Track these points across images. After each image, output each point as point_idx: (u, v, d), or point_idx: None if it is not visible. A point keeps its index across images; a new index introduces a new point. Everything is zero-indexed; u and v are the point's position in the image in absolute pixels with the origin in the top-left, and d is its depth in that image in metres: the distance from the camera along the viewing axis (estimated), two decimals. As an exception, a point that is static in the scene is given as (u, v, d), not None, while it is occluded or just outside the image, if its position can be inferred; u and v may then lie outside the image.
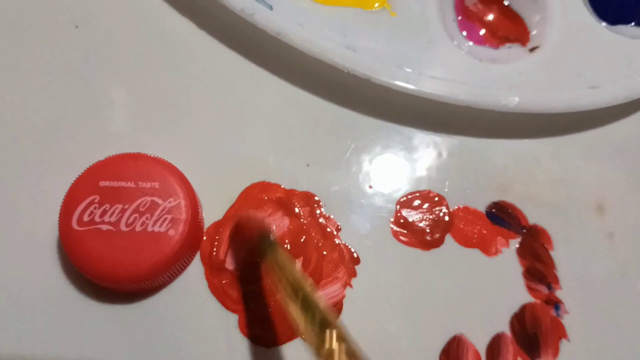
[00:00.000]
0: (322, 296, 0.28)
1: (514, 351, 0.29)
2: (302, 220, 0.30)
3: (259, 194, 0.30)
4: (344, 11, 0.33)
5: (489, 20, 0.36)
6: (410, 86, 0.31)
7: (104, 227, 0.26)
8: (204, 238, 0.29)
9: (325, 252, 0.29)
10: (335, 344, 0.19)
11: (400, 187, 0.31)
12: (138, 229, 0.26)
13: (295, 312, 0.21)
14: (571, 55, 0.33)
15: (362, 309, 0.29)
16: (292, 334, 0.28)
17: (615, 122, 0.34)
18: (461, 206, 0.31)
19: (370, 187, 0.31)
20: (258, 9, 0.31)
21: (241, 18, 0.31)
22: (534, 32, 0.35)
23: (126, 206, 0.26)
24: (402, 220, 0.31)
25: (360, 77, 0.31)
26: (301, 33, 0.31)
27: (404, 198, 0.31)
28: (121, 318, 0.27)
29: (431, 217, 0.31)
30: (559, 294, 0.30)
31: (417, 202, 0.31)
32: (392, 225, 0.30)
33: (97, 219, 0.26)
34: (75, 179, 0.27)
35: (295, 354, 0.27)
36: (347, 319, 0.28)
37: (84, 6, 0.34)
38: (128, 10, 0.34)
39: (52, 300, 0.27)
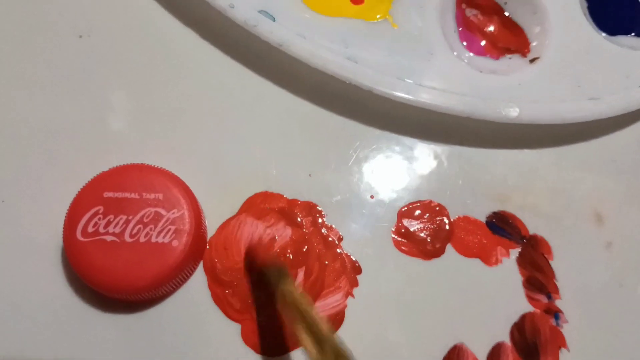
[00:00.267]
0: (334, 331, 0.28)
1: (514, 360, 0.29)
2: (304, 230, 0.30)
3: (261, 203, 0.30)
4: (345, 22, 0.33)
5: (490, 31, 0.36)
6: (411, 97, 0.31)
7: (108, 237, 0.26)
8: (207, 248, 0.29)
9: (327, 262, 0.30)
10: None
11: (402, 196, 0.32)
12: (142, 239, 0.26)
13: (307, 345, 0.22)
14: (571, 67, 0.34)
15: (363, 318, 0.29)
16: (294, 344, 0.28)
17: (614, 133, 0.35)
18: (462, 216, 0.32)
19: (372, 197, 0.31)
20: (261, 20, 0.31)
21: (244, 29, 0.31)
22: (534, 43, 0.35)
23: (130, 217, 0.26)
24: (403, 230, 0.31)
25: (362, 88, 0.31)
26: (303, 44, 0.31)
27: (405, 208, 0.31)
28: (124, 327, 0.27)
29: (432, 226, 0.31)
30: (559, 303, 0.30)
31: (418, 212, 0.31)
32: (393, 235, 0.31)
33: (101, 229, 0.26)
34: (79, 189, 0.27)
35: (298, 363, 0.28)
36: (349, 328, 0.29)
37: (87, 16, 0.34)
38: (131, 21, 0.34)
39: (56, 310, 0.27)
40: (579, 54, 0.34)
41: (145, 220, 0.26)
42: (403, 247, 0.30)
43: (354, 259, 0.30)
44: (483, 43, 0.35)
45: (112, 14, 0.34)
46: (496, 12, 0.36)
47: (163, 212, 0.27)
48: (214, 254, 0.29)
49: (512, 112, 0.31)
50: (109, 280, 0.26)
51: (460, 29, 0.35)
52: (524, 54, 0.35)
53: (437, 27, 0.34)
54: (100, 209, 0.27)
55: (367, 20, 0.33)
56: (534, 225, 0.32)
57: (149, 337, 0.27)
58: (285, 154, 0.32)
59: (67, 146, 0.31)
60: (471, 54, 0.35)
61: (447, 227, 0.31)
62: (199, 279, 0.29)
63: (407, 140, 0.33)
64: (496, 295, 0.30)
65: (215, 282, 0.28)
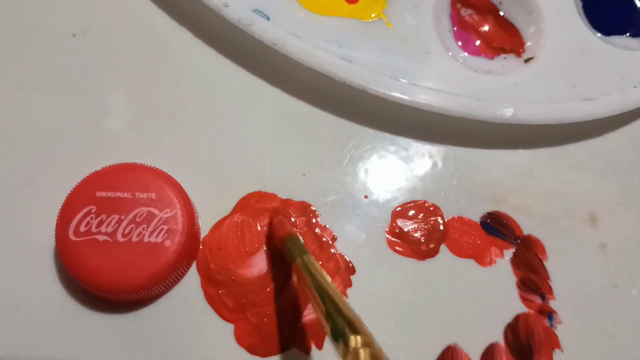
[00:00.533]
0: (349, 303, 0.28)
1: (507, 361, 0.29)
2: (298, 230, 0.30)
3: (255, 203, 0.30)
4: (340, 22, 0.33)
5: (485, 31, 0.36)
6: (405, 97, 0.31)
7: (101, 237, 0.26)
8: (200, 247, 0.29)
9: (320, 262, 0.30)
10: (361, 352, 0.19)
11: (396, 197, 0.32)
12: (134, 239, 0.26)
13: (322, 318, 0.21)
14: (566, 67, 0.34)
15: (357, 318, 0.29)
16: (288, 344, 0.28)
17: (608, 133, 0.35)
18: (456, 216, 0.32)
19: (366, 197, 0.31)
20: (255, 19, 0.31)
21: (238, 29, 0.31)
22: (529, 43, 0.35)
23: (123, 217, 0.26)
24: (397, 230, 0.31)
25: (356, 88, 0.31)
26: (297, 44, 0.31)
27: (399, 208, 0.31)
28: (117, 327, 0.27)
29: (426, 227, 0.31)
30: (553, 304, 0.30)
31: (412, 212, 0.31)
32: (387, 235, 0.31)
33: (93, 229, 0.26)
34: (72, 189, 0.27)
35: (291, 363, 0.28)
36: (342, 328, 0.28)
37: (81, 15, 0.34)
38: (125, 20, 0.34)
39: (49, 310, 0.27)
40: (574, 54, 0.34)
41: (137, 219, 0.26)
42: (397, 248, 0.30)
43: (347, 260, 0.30)
44: (478, 43, 0.35)
45: (105, 13, 0.34)
46: (491, 11, 0.36)
47: (156, 211, 0.27)
48: (207, 254, 0.29)
49: (507, 112, 0.31)
50: (101, 280, 0.26)
51: (455, 28, 0.35)
52: (518, 54, 0.35)
53: (431, 27, 0.33)
54: (93, 208, 0.26)
55: (361, 19, 0.33)
56: (528, 226, 0.32)
57: (142, 337, 0.27)
58: (279, 154, 0.32)
59: (60, 145, 0.30)
60: (466, 54, 0.35)
61: (441, 227, 0.31)
62: (192, 279, 0.29)
63: (402, 140, 0.33)
64: (490, 296, 0.30)
65: (209, 282, 0.28)
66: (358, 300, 0.29)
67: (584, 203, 0.33)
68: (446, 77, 0.32)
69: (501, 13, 0.36)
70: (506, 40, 0.36)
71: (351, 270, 0.30)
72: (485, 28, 0.36)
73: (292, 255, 0.26)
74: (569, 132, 0.34)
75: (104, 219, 0.26)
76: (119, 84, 0.32)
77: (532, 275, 0.31)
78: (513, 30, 0.36)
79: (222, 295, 0.28)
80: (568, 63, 0.34)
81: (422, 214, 0.31)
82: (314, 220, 0.30)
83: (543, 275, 0.31)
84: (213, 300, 0.28)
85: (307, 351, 0.28)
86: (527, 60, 0.34)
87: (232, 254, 0.29)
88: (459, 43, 0.35)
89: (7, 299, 0.27)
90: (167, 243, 0.26)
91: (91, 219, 0.26)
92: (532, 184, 0.33)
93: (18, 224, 0.29)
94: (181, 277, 0.28)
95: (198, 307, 0.28)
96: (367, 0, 0.34)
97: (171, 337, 0.27)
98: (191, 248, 0.28)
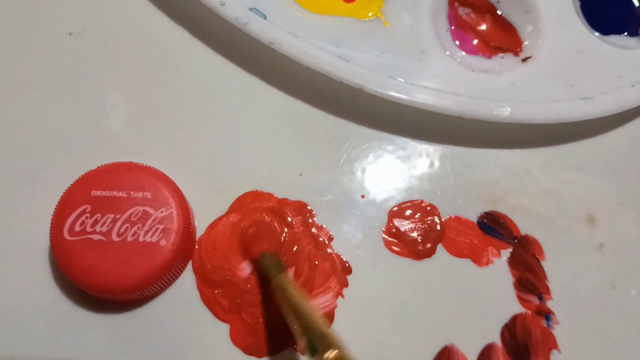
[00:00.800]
0: (322, 317, 0.29)
1: (504, 362, 0.29)
2: (294, 229, 0.30)
3: (251, 203, 0.30)
4: (337, 21, 0.33)
5: (482, 30, 0.36)
6: (402, 96, 0.31)
7: (95, 237, 0.26)
8: (196, 247, 0.29)
9: (317, 262, 0.29)
10: None
11: (393, 196, 0.31)
12: (129, 239, 0.26)
13: (297, 332, 0.22)
14: (563, 66, 0.34)
15: (353, 319, 0.29)
16: (283, 344, 0.28)
17: (606, 133, 0.34)
18: (453, 216, 0.31)
19: (363, 196, 0.31)
20: (252, 18, 0.31)
21: (235, 27, 0.31)
22: (526, 43, 0.35)
23: (118, 216, 0.26)
24: (394, 230, 0.31)
25: (353, 87, 0.31)
26: (294, 42, 0.31)
27: (396, 208, 0.31)
28: (112, 327, 0.27)
29: (423, 227, 0.31)
30: (550, 304, 0.30)
31: (409, 212, 0.31)
32: (384, 235, 0.31)
33: (88, 228, 0.26)
34: (67, 188, 0.27)
35: (287, 364, 0.28)
36: (339, 329, 0.28)
37: (77, 14, 0.33)
38: (121, 19, 0.34)
39: (43, 310, 0.27)
40: (572, 53, 0.34)
41: (132, 219, 0.26)
42: (394, 247, 0.30)
43: (344, 259, 0.30)
44: (475, 42, 0.35)
45: (102, 12, 0.34)
46: (489, 10, 0.36)
47: (151, 210, 0.27)
48: (203, 254, 0.29)
49: (504, 112, 0.31)
50: (96, 279, 0.25)
51: (453, 27, 0.35)
52: (516, 53, 0.35)
53: (429, 26, 0.33)
54: (88, 207, 0.26)
55: (358, 18, 0.33)
56: (525, 226, 0.32)
57: (137, 337, 0.27)
58: (276, 153, 0.32)
59: (55, 145, 0.30)
60: (463, 53, 0.35)
61: (438, 227, 0.31)
62: (187, 279, 0.28)
63: (399, 140, 0.33)
64: (487, 296, 0.30)
65: (205, 282, 0.28)
66: (355, 300, 0.29)
67: (581, 203, 0.32)
68: (444, 76, 0.32)
69: (499, 12, 0.36)
70: (504, 39, 0.36)
71: (348, 270, 0.30)
72: (483, 27, 0.36)
73: (268, 274, 0.27)
74: (566, 132, 0.34)
75: (98, 218, 0.26)
76: (115, 83, 0.32)
77: (529, 275, 0.30)
78: (511, 30, 0.36)
79: (218, 295, 0.28)
80: (566, 62, 0.34)
81: (419, 214, 0.31)
82: (310, 220, 0.30)
83: (540, 275, 0.31)
84: (208, 301, 0.28)
85: (303, 351, 0.27)
86: (524, 60, 0.34)
87: (228, 254, 0.29)
88: (457, 42, 0.35)
89: (1, 298, 0.27)
90: (163, 242, 0.26)
91: (86, 218, 0.26)
92: (530, 183, 0.33)
93: (13, 223, 0.29)
94: (176, 277, 0.28)
95: (193, 307, 0.28)
96: (364, -1, 0.34)
97: (166, 337, 0.27)
98: (187, 248, 0.28)
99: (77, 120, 0.31)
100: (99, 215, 0.26)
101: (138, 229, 0.26)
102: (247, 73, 0.33)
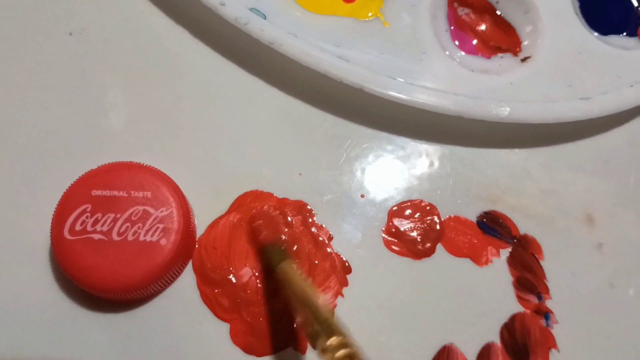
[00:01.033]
0: (328, 305, 0.29)
1: (503, 361, 0.29)
2: (294, 229, 0.30)
3: (251, 202, 0.30)
4: (337, 21, 0.33)
5: (482, 30, 0.36)
6: (402, 96, 0.31)
7: (96, 236, 0.26)
8: (196, 246, 0.29)
9: (317, 262, 0.29)
10: (340, 352, 0.20)
11: (392, 196, 0.32)
12: (130, 238, 0.26)
13: (302, 322, 0.23)
14: (562, 66, 0.34)
15: (353, 318, 0.29)
16: (283, 344, 0.28)
17: (605, 133, 0.34)
18: (452, 215, 0.31)
19: (362, 196, 0.31)
20: (252, 18, 0.31)
21: (235, 27, 0.31)
22: (525, 43, 0.35)
23: (118, 215, 0.26)
24: (393, 230, 0.31)
25: (353, 87, 0.31)
26: (294, 42, 0.31)
27: (396, 207, 0.31)
28: (113, 327, 0.27)
29: (422, 226, 0.31)
30: (549, 303, 0.30)
31: (408, 212, 0.31)
32: (383, 235, 0.31)
33: (89, 228, 0.26)
34: (67, 187, 0.27)
35: (287, 363, 0.28)
36: (338, 328, 0.28)
37: (78, 14, 0.34)
38: (122, 18, 0.34)
39: (44, 309, 0.27)
40: (571, 53, 0.34)
41: (133, 218, 0.26)
42: (393, 247, 0.30)
43: (344, 259, 0.30)
44: (475, 42, 0.35)
45: (102, 12, 0.34)
46: (488, 11, 0.36)
47: (151, 210, 0.27)
48: (203, 253, 0.29)
49: (503, 112, 0.31)
50: (97, 279, 0.25)
51: (452, 27, 0.35)
52: (515, 53, 0.35)
53: (428, 26, 0.33)
54: (88, 207, 0.26)
55: (358, 18, 0.33)
56: (524, 226, 0.32)
57: (137, 336, 0.27)
58: (276, 153, 0.32)
59: (56, 144, 0.30)
60: (463, 53, 0.35)
61: (438, 226, 0.31)
62: (188, 278, 0.28)
63: (398, 140, 0.33)
64: (486, 296, 0.30)
65: (205, 281, 0.28)
66: (354, 299, 0.29)
67: (580, 203, 0.33)
68: (443, 76, 0.32)
69: (498, 12, 0.36)
70: (503, 39, 0.36)
71: (347, 269, 0.30)
72: (482, 27, 0.36)
73: (272, 263, 0.27)
74: (565, 132, 0.34)
75: (99, 218, 0.26)
76: (116, 83, 0.32)
77: (528, 274, 0.31)
78: (510, 30, 0.36)
79: (218, 294, 0.28)
80: (565, 62, 0.34)
81: (418, 214, 0.31)
82: (310, 220, 0.30)
83: (539, 274, 0.31)
84: (209, 300, 0.28)
85: (303, 351, 0.28)
86: (523, 60, 0.34)
87: (228, 253, 0.29)
88: (456, 42, 0.35)
89: (1, 298, 0.27)
90: (163, 242, 0.26)
91: (86, 217, 0.26)
92: (529, 183, 0.33)
93: (13, 222, 0.29)
94: (177, 277, 0.28)
95: (193, 307, 0.28)
96: (364, -1, 0.34)
97: (167, 336, 0.27)
98: (187, 247, 0.28)
99: (78, 120, 0.31)
100: (99, 215, 0.26)
101: (138, 228, 0.26)
102: (247, 73, 0.33)
